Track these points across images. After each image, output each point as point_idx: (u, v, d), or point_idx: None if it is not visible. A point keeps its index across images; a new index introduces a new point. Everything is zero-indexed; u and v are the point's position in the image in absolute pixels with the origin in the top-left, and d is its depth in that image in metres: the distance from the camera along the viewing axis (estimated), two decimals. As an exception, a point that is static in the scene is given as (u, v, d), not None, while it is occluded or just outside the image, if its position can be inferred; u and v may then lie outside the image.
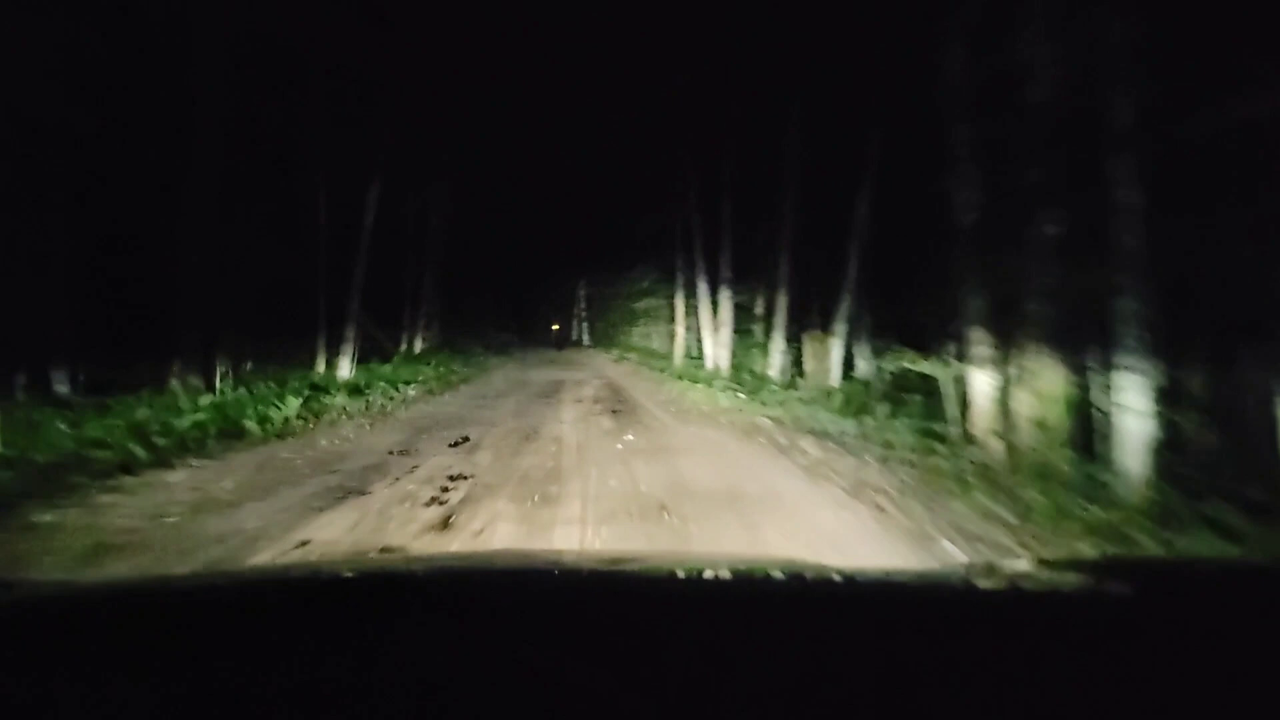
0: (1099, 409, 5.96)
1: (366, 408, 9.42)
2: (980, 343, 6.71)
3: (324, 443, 6.77)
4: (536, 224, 31.05)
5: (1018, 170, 6.30)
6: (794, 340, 14.59)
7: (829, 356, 11.29)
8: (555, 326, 35.85)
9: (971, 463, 5.82)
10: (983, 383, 6.68)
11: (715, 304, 15.82)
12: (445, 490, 4.94)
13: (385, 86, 14.00)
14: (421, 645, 0.76)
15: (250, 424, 6.70)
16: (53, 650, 0.75)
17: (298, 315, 13.14)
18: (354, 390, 10.39)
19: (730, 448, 6.87)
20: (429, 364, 15.89)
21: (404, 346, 18.66)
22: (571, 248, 31.73)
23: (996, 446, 6.40)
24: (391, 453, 6.35)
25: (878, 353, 11.31)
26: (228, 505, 4.48)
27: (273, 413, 7.36)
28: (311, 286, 13.04)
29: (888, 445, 6.85)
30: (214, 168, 10.35)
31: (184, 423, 6.14)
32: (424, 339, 20.09)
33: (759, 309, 16.96)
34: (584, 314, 35.28)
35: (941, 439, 6.84)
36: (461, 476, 5.36)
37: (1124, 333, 5.23)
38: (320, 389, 9.81)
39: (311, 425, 7.70)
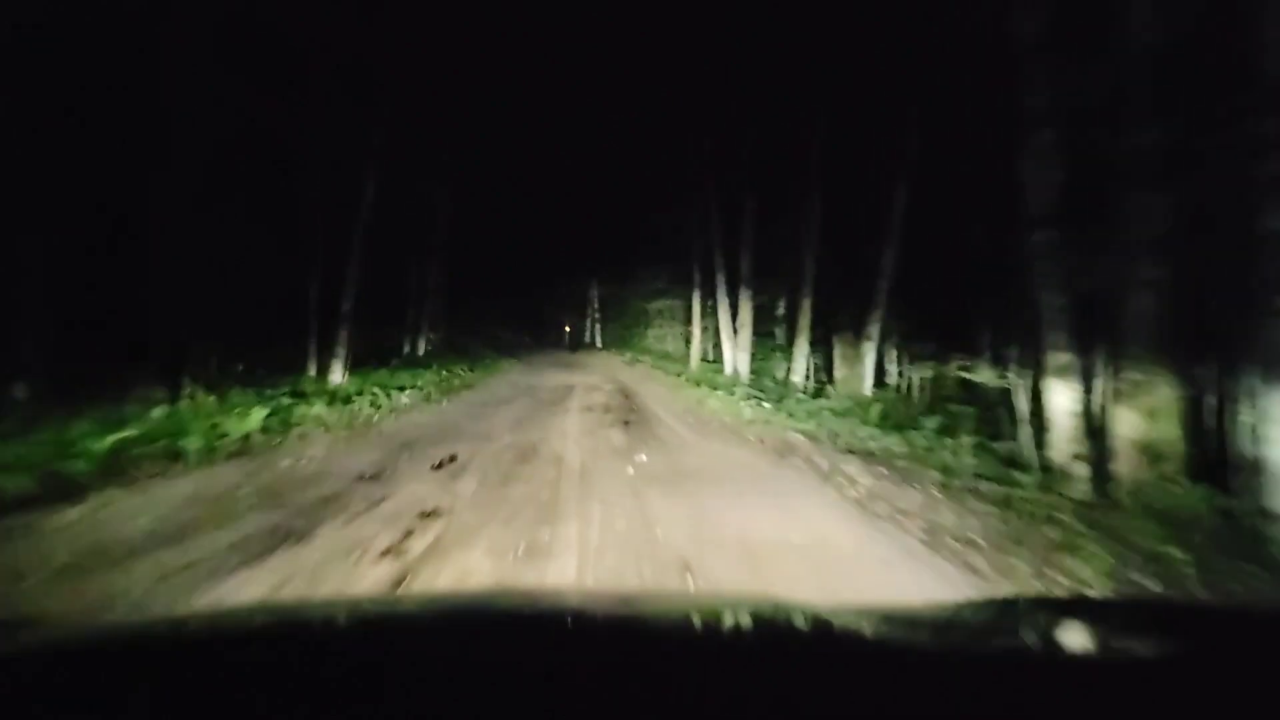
0: (1220, 430, 4.81)
1: (350, 419, 8.37)
2: (1060, 348, 5.54)
3: (284, 464, 5.71)
4: (548, 224, 30.05)
5: (1110, 138, 5.15)
6: (819, 344, 13.45)
7: (862, 363, 10.13)
8: (567, 328, 34.82)
9: (1067, 498, 4.66)
10: (1063, 396, 5.51)
11: (734, 306, 14.68)
12: (408, 535, 3.85)
13: (386, 79, 13.03)
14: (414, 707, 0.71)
15: (191, 443, 5.63)
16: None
17: (296, 317, 12.21)
18: (339, 398, 9.35)
19: (763, 473, 5.73)
20: (431, 368, 14.85)
21: (407, 349, 17.67)
22: (584, 248, 30.70)
23: (1083, 474, 5.24)
24: (361, 478, 5.28)
25: (915, 358, 10.14)
26: (120, 558, 3.41)
27: (231, 426, 6.30)
28: (305, 287, 12.08)
29: (946, 470, 5.69)
30: (194, 161, 9.40)
31: (103, 444, 5.08)
32: (429, 341, 19.11)
33: (780, 311, 15.84)
34: (597, 315, 34.20)
35: (1015, 465, 5.69)
36: (434, 513, 4.28)
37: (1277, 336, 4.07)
38: (301, 396, 8.77)
39: (278, 441, 6.64)
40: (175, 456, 5.53)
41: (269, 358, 11.99)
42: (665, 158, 17.77)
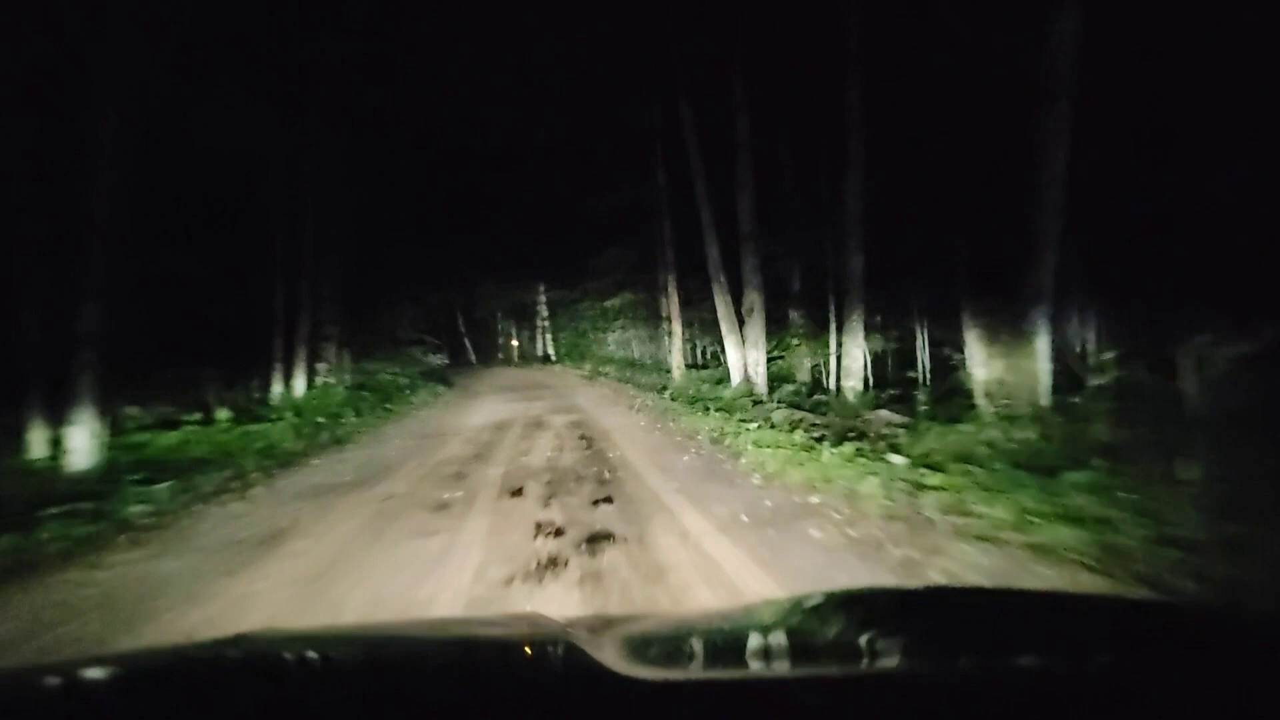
0: None
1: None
2: None
3: None
4: (484, 222, 24.48)
5: None
6: (873, 329, 8.49)
7: (1032, 351, 5.03)
8: (514, 342, 29.28)
9: None
10: None
11: (736, 282, 9.56)
12: None
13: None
14: None
15: None
16: None
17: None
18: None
19: None
20: (284, 419, 9.35)
21: (279, 389, 12.08)
22: (528, 247, 25.10)
23: None
24: None
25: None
26: None
27: None
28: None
29: None
30: None
31: None
32: (321, 372, 13.51)
33: (796, 283, 10.80)
34: (546, 324, 28.59)
35: None
36: None
37: None
38: None
39: None
40: None
41: None
42: (622, 94, 12.58)
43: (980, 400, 5.16)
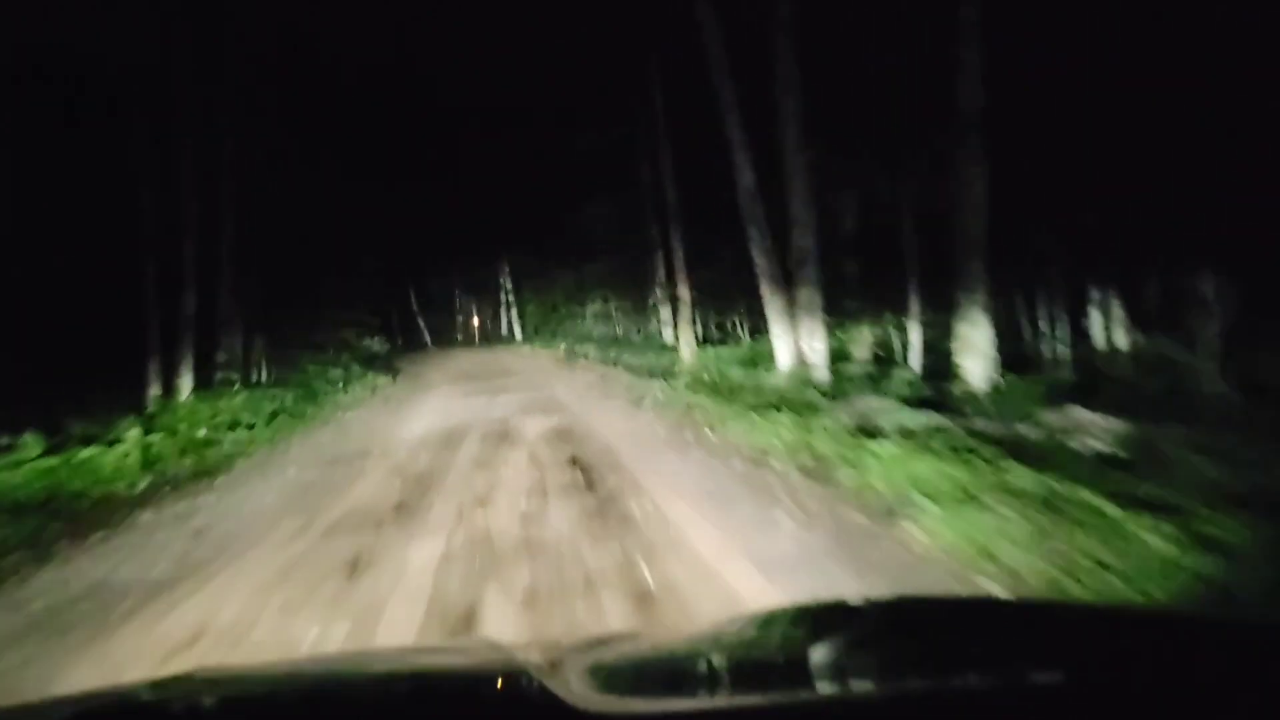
0: None
1: None
2: None
3: None
4: (436, 188, 21.26)
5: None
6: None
7: None
8: (475, 320, 26.18)
9: None
10: None
11: (788, 216, 6.79)
12: None
13: None
14: None
15: None
16: None
17: None
18: None
19: None
20: (169, 432, 6.43)
21: (155, 390, 9.09)
22: (489, 213, 21.81)
23: None
24: None
25: None
26: None
27: None
28: None
29: None
30: None
31: None
32: (223, 365, 10.50)
33: (849, 225, 8.15)
34: (511, 299, 25.39)
35: None
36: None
37: None
38: None
39: None
40: None
41: None
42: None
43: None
